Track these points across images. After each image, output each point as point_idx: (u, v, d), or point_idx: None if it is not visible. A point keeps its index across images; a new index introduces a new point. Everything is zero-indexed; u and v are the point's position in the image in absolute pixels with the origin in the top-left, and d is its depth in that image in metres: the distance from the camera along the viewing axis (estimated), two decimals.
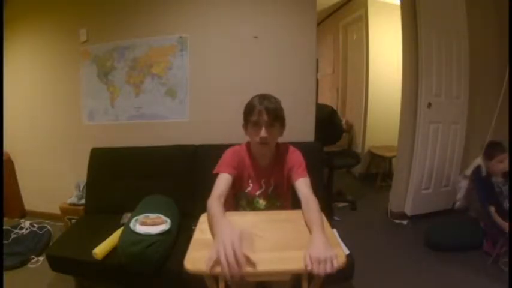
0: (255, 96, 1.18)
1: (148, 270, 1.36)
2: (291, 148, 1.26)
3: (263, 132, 1.12)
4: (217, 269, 0.72)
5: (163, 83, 2.12)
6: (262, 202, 1.24)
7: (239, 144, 1.30)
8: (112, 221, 1.70)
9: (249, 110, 1.16)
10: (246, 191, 1.24)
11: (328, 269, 0.72)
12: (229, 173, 1.13)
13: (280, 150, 1.25)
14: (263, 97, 1.15)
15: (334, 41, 4.14)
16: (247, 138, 1.25)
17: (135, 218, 1.48)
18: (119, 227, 1.55)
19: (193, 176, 1.88)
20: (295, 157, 1.22)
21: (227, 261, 0.70)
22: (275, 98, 1.18)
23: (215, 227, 0.86)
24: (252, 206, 1.25)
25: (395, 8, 2.41)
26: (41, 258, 1.90)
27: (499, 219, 1.75)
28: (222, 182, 1.10)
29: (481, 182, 1.92)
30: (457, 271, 1.74)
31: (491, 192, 1.84)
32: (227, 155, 1.21)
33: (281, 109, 1.18)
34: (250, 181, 1.23)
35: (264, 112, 1.11)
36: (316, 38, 2.02)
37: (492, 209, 1.79)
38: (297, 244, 0.84)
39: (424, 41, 2.14)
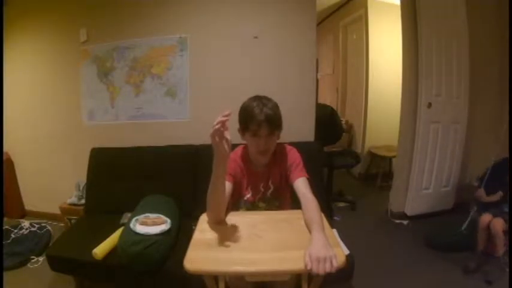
0: (252, 101, 1.09)
1: (149, 270, 1.36)
2: (288, 147, 1.23)
3: (263, 144, 1.07)
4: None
5: (163, 83, 2.12)
6: (261, 205, 1.22)
7: (237, 145, 1.24)
8: (112, 221, 1.70)
9: (247, 118, 1.07)
10: (245, 198, 1.20)
11: (328, 269, 0.72)
12: (228, 181, 1.08)
13: (277, 151, 1.20)
14: (262, 103, 1.07)
15: (334, 41, 4.14)
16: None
17: (135, 218, 1.48)
18: (119, 227, 1.55)
19: (193, 176, 1.88)
20: (292, 156, 1.19)
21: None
22: (272, 102, 1.10)
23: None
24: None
25: (395, 8, 2.41)
26: (41, 258, 1.91)
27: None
28: None
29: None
30: (457, 271, 1.74)
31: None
32: None
33: (279, 114, 1.11)
34: (248, 188, 1.20)
35: (265, 124, 1.04)
36: (316, 38, 2.02)
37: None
38: (297, 244, 0.84)
39: (424, 41, 2.14)
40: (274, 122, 1.07)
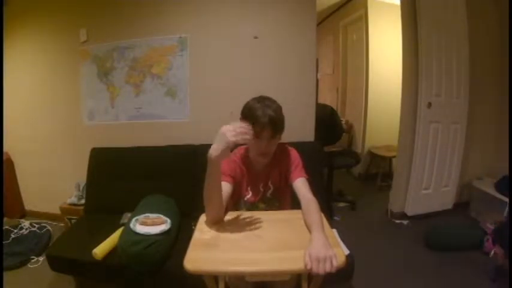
0: (256, 102, 1.07)
1: (148, 270, 1.37)
2: (287, 148, 1.23)
3: (265, 146, 1.07)
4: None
5: (163, 83, 2.12)
6: (261, 206, 1.22)
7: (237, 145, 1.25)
8: (112, 221, 1.70)
9: (250, 119, 1.04)
10: (246, 199, 1.20)
11: (328, 268, 0.72)
12: (227, 182, 1.08)
13: (277, 151, 1.19)
14: (265, 105, 1.05)
15: (334, 41, 4.14)
16: None
17: (135, 218, 1.48)
18: (119, 227, 1.55)
19: (193, 176, 1.88)
20: (292, 157, 1.19)
21: (237, 131, 0.85)
22: (275, 104, 1.09)
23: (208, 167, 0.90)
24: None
25: (395, 8, 2.40)
26: (41, 258, 1.91)
27: None
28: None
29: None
30: (457, 271, 1.74)
31: None
32: (222, 165, 1.05)
33: (283, 117, 1.09)
34: (248, 188, 1.20)
35: (268, 126, 1.03)
36: (316, 38, 2.02)
37: None
38: (297, 244, 0.84)
39: (424, 41, 2.14)
40: (277, 125, 1.06)
